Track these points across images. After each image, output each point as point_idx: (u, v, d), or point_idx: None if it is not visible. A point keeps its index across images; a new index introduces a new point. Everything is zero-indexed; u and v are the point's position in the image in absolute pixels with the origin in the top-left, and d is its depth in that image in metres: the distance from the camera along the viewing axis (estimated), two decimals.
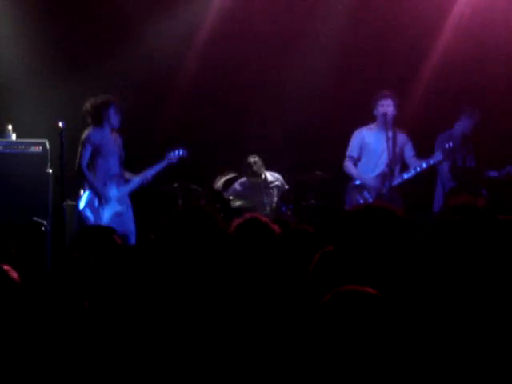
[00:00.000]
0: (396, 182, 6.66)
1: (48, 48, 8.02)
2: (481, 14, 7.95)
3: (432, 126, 7.52)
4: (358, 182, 6.87)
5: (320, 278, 2.79)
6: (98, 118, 6.46)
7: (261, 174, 7.77)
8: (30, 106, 7.92)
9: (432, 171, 7.09)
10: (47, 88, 7.91)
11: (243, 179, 7.92)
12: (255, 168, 7.72)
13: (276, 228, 3.23)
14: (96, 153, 6.51)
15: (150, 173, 6.78)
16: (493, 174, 7.14)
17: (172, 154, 6.86)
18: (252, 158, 7.74)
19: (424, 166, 6.64)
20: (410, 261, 2.53)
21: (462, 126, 7.19)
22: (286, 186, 7.94)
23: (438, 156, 6.65)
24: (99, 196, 6.48)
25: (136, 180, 6.78)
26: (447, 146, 6.60)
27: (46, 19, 7.97)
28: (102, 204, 6.51)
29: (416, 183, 7.09)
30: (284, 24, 8.24)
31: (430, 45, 8.14)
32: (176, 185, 7.42)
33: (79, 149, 6.55)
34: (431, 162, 6.66)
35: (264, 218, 3.26)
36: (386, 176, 6.68)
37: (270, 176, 7.94)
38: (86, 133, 6.55)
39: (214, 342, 2.51)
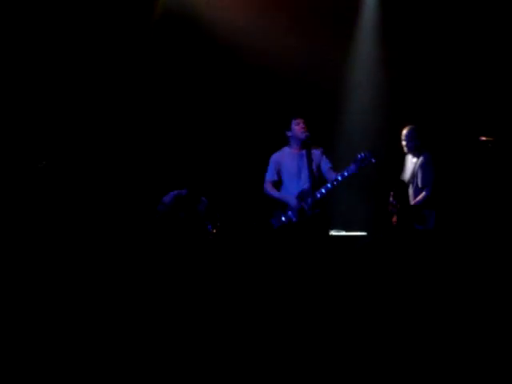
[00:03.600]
0: (316, 197, 6.63)
1: None
2: None
3: None
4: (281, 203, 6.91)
5: None
6: None
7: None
8: None
9: None
10: None
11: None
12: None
13: None
14: None
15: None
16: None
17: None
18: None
19: (339, 178, 6.58)
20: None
21: None
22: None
23: (351, 168, 6.58)
24: None
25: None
26: (359, 156, 6.57)
27: None
28: None
29: None
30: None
31: None
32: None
33: None
34: (345, 174, 6.58)
35: None
36: (307, 193, 6.69)
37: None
38: None
39: None
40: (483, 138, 6.63)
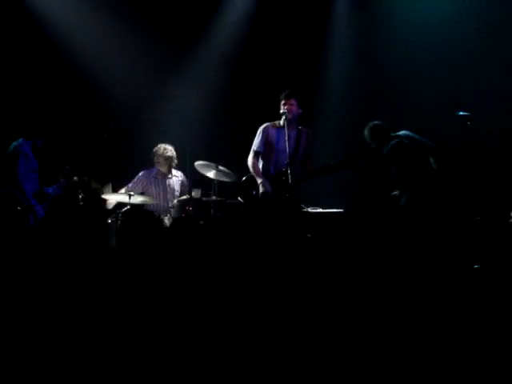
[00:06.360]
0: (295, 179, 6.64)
1: None
2: None
3: None
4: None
5: None
6: None
7: (171, 164, 7.90)
8: None
9: None
10: None
11: (149, 170, 8.02)
12: (167, 156, 7.87)
13: None
14: None
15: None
16: None
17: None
18: (166, 146, 7.90)
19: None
20: None
21: None
22: (186, 182, 8.08)
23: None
24: None
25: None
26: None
27: None
28: None
29: None
30: None
31: None
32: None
33: None
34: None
35: None
36: (283, 174, 6.64)
37: (175, 171, 8.07)
38: None
39: None
40: (460, 113, 6.74)
